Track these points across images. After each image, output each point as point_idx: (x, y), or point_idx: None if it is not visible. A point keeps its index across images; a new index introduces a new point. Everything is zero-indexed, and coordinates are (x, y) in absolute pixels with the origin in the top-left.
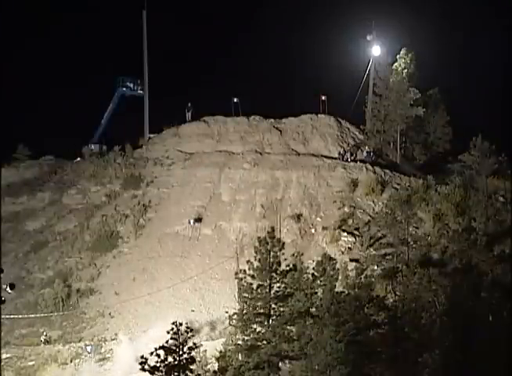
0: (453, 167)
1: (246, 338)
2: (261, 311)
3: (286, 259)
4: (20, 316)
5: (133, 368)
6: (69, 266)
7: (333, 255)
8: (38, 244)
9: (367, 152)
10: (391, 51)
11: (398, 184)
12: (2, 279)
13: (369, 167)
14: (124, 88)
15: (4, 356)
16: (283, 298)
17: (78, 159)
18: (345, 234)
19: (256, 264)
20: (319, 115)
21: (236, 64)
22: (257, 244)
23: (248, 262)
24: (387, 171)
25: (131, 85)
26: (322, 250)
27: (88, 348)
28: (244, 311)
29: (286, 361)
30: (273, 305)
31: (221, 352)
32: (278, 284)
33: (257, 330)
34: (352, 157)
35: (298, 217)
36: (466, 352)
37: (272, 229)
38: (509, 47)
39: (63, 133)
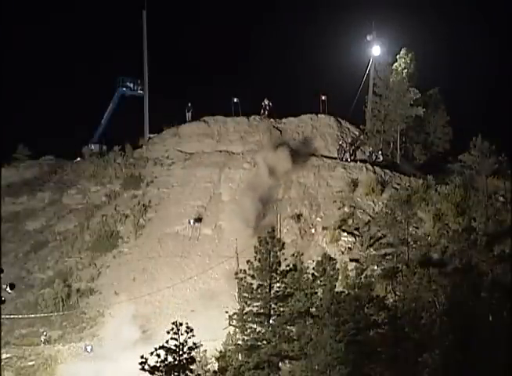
0: (453, 167)
1: (246, 338)
2: (261, 311)
3: (286, 259)
4: (20, 316)
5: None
6: (69, 266)
7: (333, 255)
8: (38, 244)
9: (370, 152)
10: (391, 51)
11: (398, 184)
12: (2, 279)
13: (369, 167)
14: (124, 88)
15: (4, 356)
16: (282, 298)
17: (78, 159)
18: (345, 234)
19: (256, 264)
20: (319, 115)
21: (236, 64)
22: (257, 244)
23: (248, 262)
24: (387, 171)
25: (131, 85)
26: (322, 250)
27: (88, 348)
28: (244, 311)
29: (286, 361)
30: (273, 305)
31: (221, 352)
32: (278, 284)
33: (257, 330)
34: (352, 157)
35: (298, 217)
36: (466, 352)
37: (272, 229)
38: (509, 47)
39: (63, 133)
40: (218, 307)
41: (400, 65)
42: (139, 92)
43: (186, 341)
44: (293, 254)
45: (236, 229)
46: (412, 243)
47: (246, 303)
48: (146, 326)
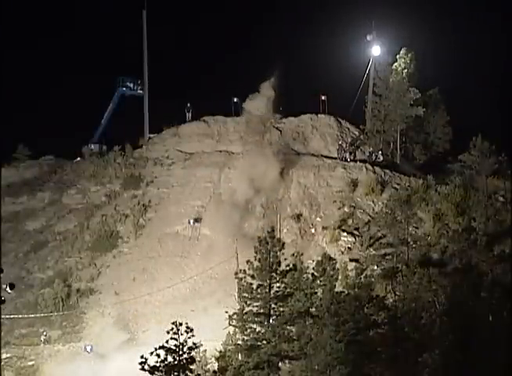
0: (453, 167)
1: (246, 338)
2: (261, 311)
3: (286, 259)
4: (20, 316)
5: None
6: (69, 266)
7: (333, 255)
8: (38, 244)
9: (370, 152)
10: (391, 51)
11: (398, 184)
12: (2, 279)
13: (369, 167)
14: (124, 88)
15: (4, 355)
16: (282, 298)
17: (78, 159)
18: (345, 234)
19: (256, 264)
20: (319, 115)
21: (236, 64)
22: (257, 244)
23: (248, 262)
24: (387, 171)
25: (131, 85)
26: (322, 250)
27: (88, 348)
28: (244, 311)
29: (286, 361)
30: (273, 305)
31: (221, 352)
32: (278, 284)
33: (257, 330)
34: (351, 157)
35: (298, 217)
36: (466, 352)
37: (272, 229)
38: (509, 47)
39: (63, 133)
40: (217, 307)
41: (400, 65)
42: (139, 92)
43: (186, 341)
44: (293, 254)
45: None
46: (412, 243)
47: (246, 303)
48: (146, 326)
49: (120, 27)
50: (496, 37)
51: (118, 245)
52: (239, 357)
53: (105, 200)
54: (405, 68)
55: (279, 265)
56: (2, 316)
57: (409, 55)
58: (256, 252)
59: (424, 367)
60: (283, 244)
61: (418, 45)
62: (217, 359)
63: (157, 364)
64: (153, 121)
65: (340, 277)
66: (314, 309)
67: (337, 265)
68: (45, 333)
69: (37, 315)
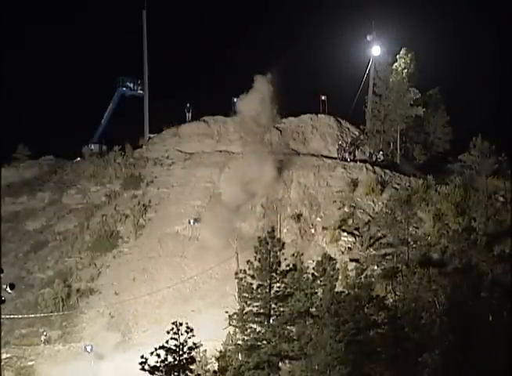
0: (453, 167)
1: (246, 338)
2: (261, 311)
3: (286, 259)
4: (20, 316)
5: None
6: (69, 266)
7: (333, 255)
8: (38, 244)
9: (370, 152)
10: (391, 51)
11: (398, 184)
12: (2, 279)
13: (369, 167)
14: (124, 88)
15: (4, 355)
16: (282, 298)
17: (78, 159)
18: (345, 234)
19: (256, 264)
20: (319, 115)
21: (236, 64)
22: (257, 244)
23: (248, 262)
24: (387, 171)
25: (131, 85)
26: (322, 250)
27: (88, 348)
28: (244, 311)
29: (286, 361)
30: (273, 305)
31: (221, 352)
32: (278, 284)
33: (257, 330)
34: (351, 157)
35: (298, 217)
36: (466, 352)
37: (272, 229)
38: (509, 47)
39: (63, 133)
40: (217, 307)
41: (400, 65)
42: (139, 92)
43: (186, 341)
44: (293, 254)
45: (236, 229)
46: (412, 243)
47: (246, 303)
48: (146, 326)
49: (120, 27)
50: (496, 38)
51: (118, 245)
52: (240, 357)
53: (105, 200)
54: (405, 68)
55: (279, 265)
56: (2, 316)
57: (409, 55)
58: (256, 252)
59: (424, 367)
60: (283, 244)
61: (418, 45)
62: (217, 359)
63: (157, 364)
64: (153, 121)
65: (340, 277)
66: (314, 309)
67: (337, 265)
68: (45, 333)
69: (37, 315)
